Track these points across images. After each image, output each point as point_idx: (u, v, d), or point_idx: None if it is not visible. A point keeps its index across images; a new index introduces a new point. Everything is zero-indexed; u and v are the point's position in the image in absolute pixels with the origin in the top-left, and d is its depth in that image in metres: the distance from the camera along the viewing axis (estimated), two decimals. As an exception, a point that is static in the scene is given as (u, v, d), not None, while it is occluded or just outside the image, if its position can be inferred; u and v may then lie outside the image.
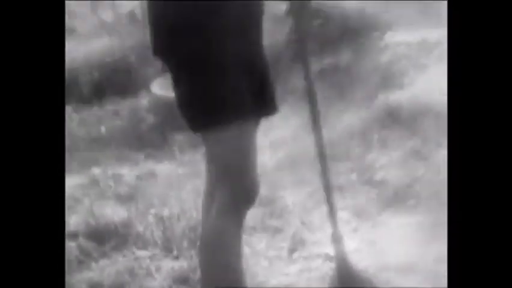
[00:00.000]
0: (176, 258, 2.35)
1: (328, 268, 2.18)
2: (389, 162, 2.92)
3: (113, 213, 2.59)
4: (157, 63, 2.89)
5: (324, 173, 2.07)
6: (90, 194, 2.91)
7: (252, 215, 2.11)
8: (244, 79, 1.68)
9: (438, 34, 3.44)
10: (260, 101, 1.73)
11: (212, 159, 1.75)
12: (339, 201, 2.27)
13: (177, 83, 1.71)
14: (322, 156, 2.05)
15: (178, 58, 1.70)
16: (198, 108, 1.67)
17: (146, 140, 3.22)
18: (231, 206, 1.69)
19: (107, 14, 4.52)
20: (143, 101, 3.44)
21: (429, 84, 3.20)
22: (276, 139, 3.12)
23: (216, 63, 1.66)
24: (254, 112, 1.71)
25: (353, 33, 3.79)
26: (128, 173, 2.97)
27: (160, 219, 2.50)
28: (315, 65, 2.91)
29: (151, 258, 2.36)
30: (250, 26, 1.74)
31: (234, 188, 1.68)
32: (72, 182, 2.89)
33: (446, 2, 1.58)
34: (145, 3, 1.93)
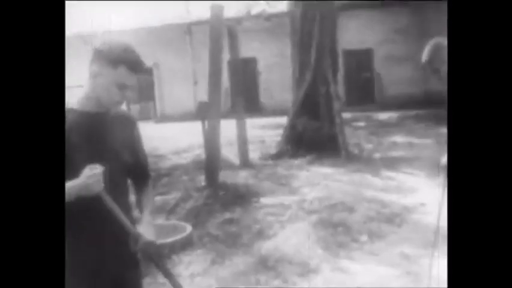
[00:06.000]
0: None
1: None
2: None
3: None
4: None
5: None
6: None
7: None
8: None
9: (291, 199, 6.44)
10: None
11: None
12: None
13: None
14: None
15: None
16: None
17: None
18: None
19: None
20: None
21: (287, 237, 5.12)
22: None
23: None
24: None
25: (241, 198, 6.56)
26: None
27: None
28: (219, 218, 5.86)
29: None
30: None
31: None
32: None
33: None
34: None
